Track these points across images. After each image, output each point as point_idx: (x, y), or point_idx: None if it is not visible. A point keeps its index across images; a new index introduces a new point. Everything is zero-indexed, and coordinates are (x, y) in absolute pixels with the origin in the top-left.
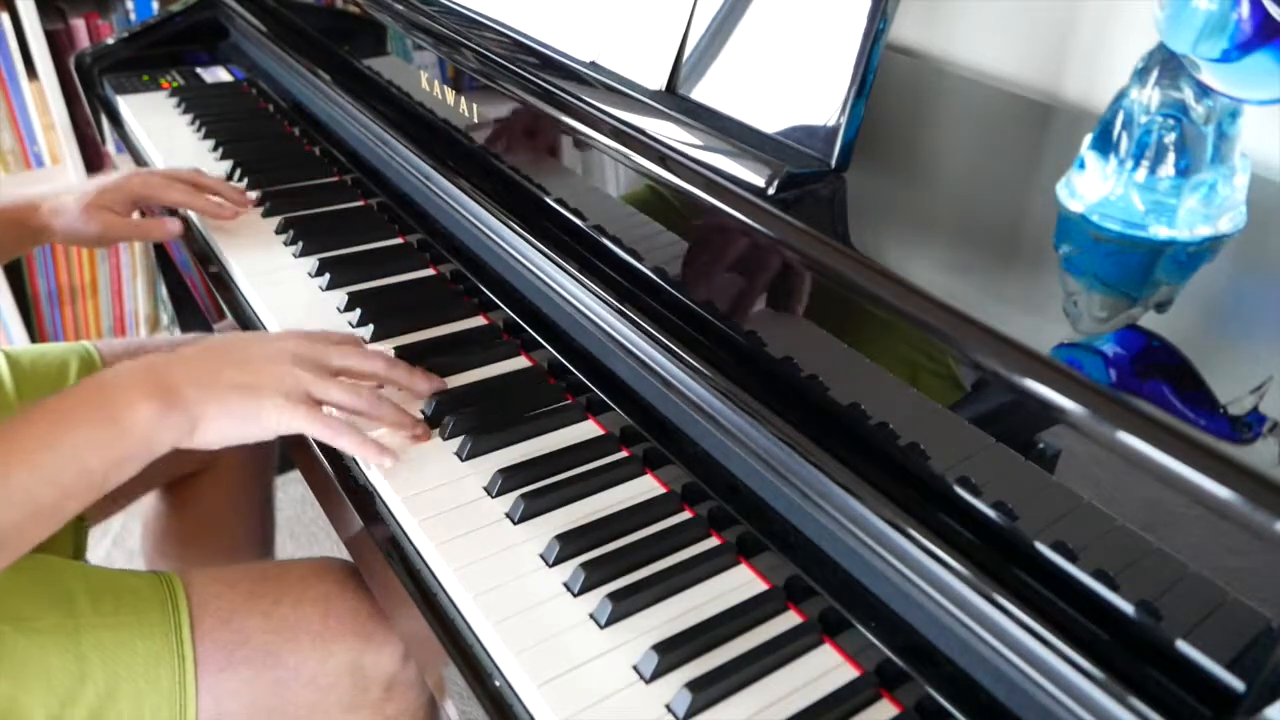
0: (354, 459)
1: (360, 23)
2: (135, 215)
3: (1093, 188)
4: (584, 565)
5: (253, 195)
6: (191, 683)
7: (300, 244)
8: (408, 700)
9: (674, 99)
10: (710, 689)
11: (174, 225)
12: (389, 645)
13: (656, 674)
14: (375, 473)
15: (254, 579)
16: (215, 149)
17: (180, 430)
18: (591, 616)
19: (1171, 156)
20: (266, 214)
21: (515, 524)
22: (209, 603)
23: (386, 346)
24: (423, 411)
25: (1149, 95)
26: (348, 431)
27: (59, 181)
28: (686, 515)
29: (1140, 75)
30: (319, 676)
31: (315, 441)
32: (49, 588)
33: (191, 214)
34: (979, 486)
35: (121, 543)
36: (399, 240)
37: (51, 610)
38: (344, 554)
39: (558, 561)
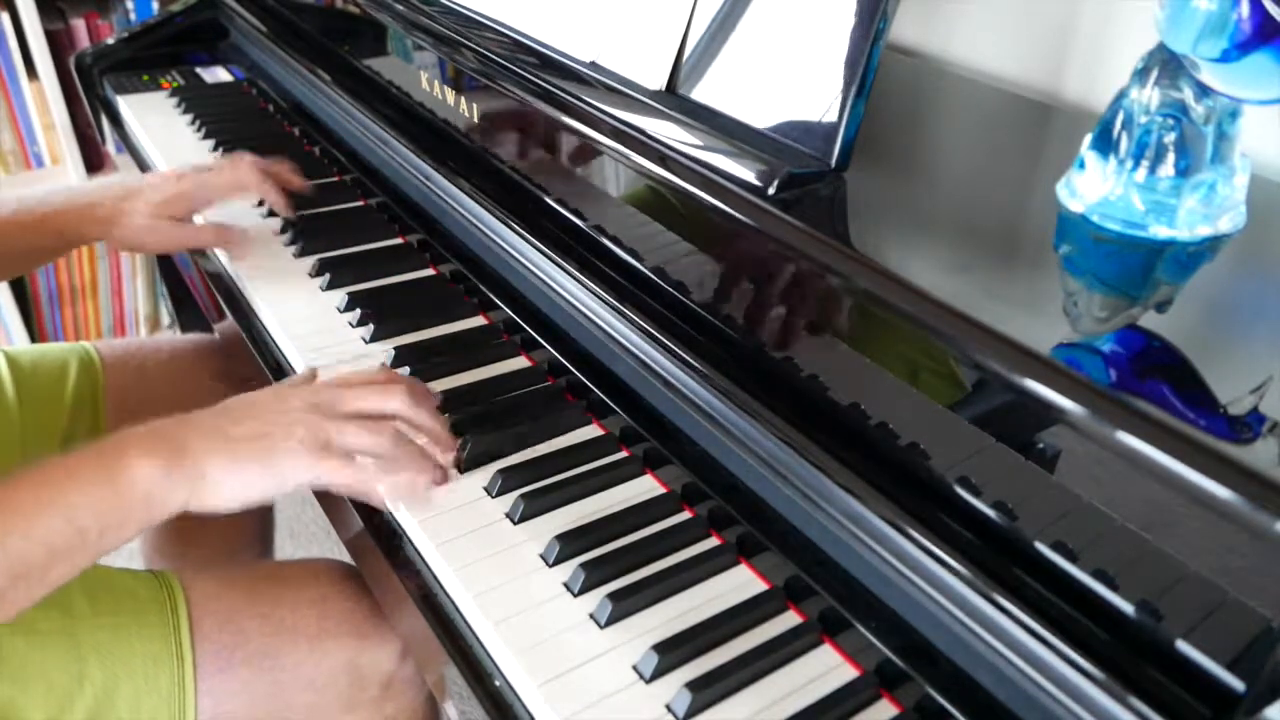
0: None
1: (360, 23)
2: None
3: (1093, 188)
4: (584, 565)
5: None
6: (190, 684)
7: (300, 244)
8: (406, 699)
9: (674, 99)
10: (710, 689)
11: (238, 235)
12: (387, 645)
13: (656, 674)
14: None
15: (252, 580)
16: (215, 149)
17: (187, 489)
18: (591, 616)
19: (1171, 156)
20: (266, 214)
21: (515, 524)
22: (208, 604)
23: (386, 346)
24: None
25: (1149, 95)
26: (370, 480)
27: (59, 181)
28: (686, 515)
29: (1140, 75)
30: (317, 677)
31: None
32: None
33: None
34: (979, 486)
35: None
36: (399, 240)
37: (50, 611)
38: (343, 554)
39: (558, 561)
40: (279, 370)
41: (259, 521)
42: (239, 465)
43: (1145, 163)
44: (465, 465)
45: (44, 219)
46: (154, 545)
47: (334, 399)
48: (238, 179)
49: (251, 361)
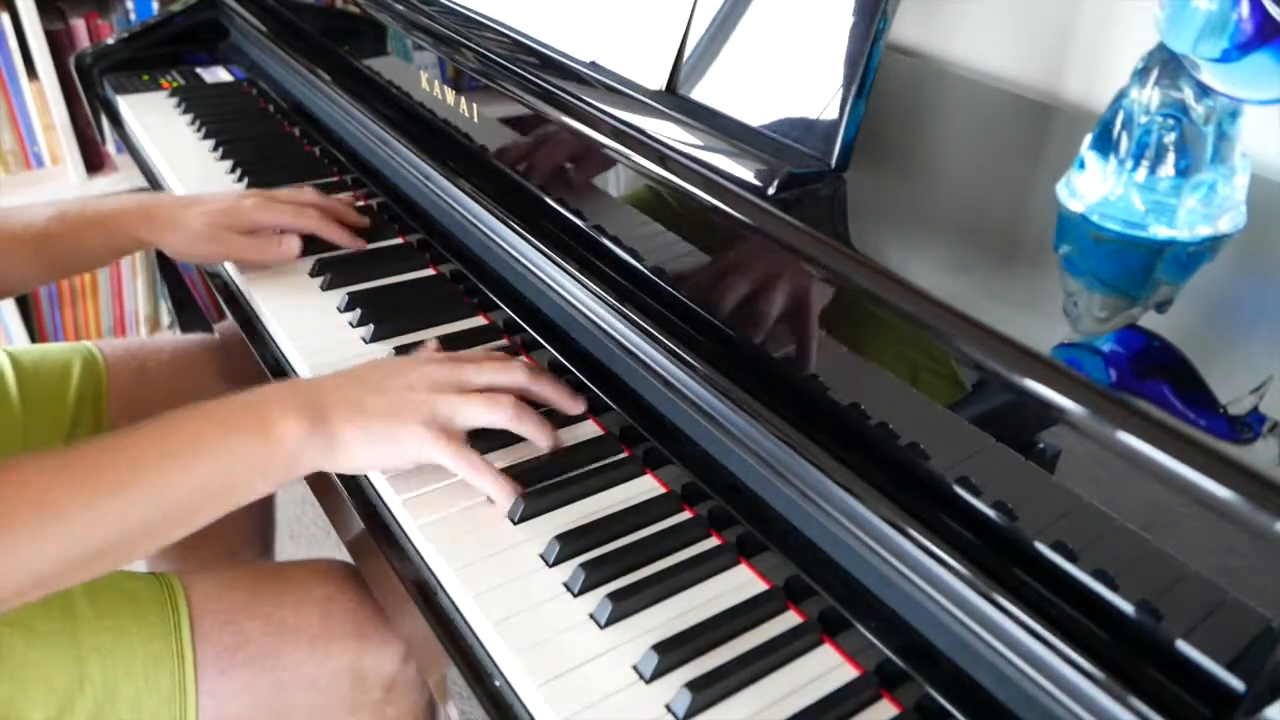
0: None
1: (360, 23)
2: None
3: (1093, 188)
4: (584, 565)
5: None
6: (191, 685)
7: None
8: (408, 701)
9: (674, 99)
10: (710, 689)
11: (294, 244)
12: (389, 646)
13: (656, 674)
14: (375, 474)
15: (254, 580)
16: (215, 149)
17: (323, 451)
18: (591, 616)
19: (1171, 156)
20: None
21: (515, 524)
22: (209, 604)
23: (386, 347)
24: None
25: (1149, 95)
26: (484, 470)
27: (59, 181)
28: (686, 515)
29: (1140, 75)
30: (319, 678)
31: None
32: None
33: None
34: (979, 486)
35: None
36: (399, 240)
37: (51, 612)
38: (343, 554)
39: (558, 561)
40: (279, 370)
41: (260, 522)
42: (369, 438)
43: (1145, 163)
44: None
45: (95, 220)
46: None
47: (459, 375)
48: (300, 212)
49: (251, 361)
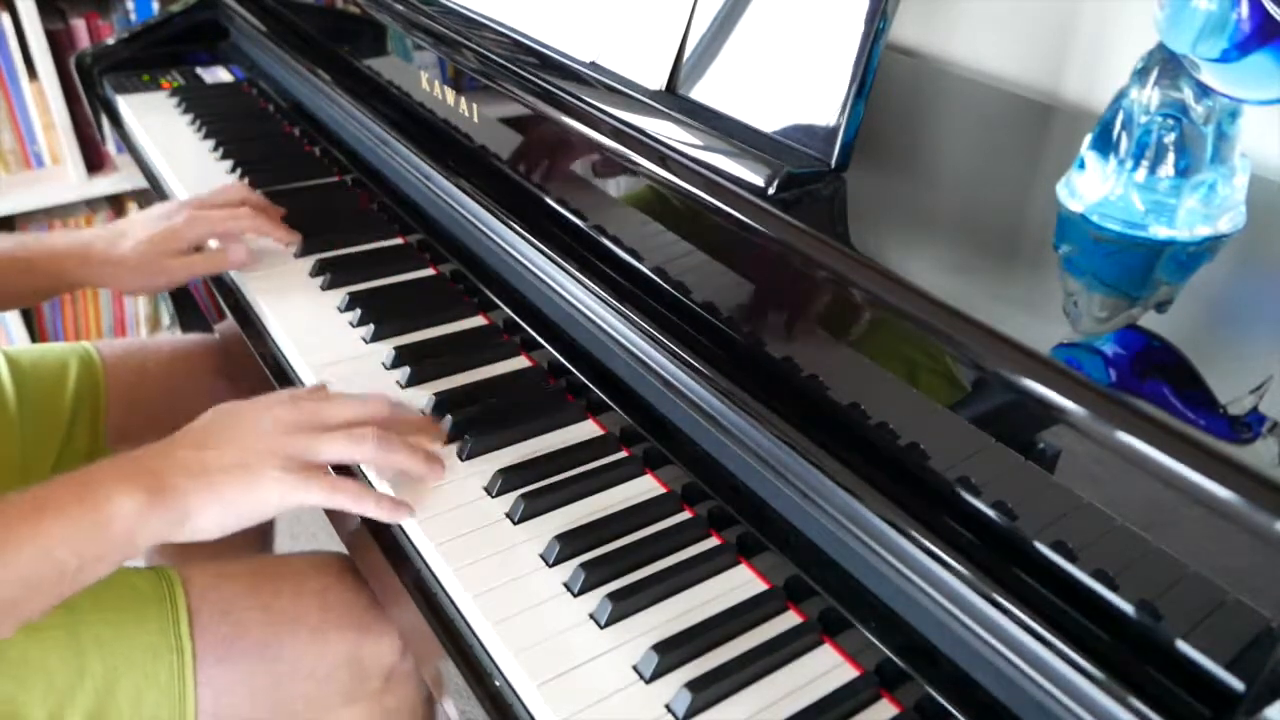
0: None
1: (360, 23)
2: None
3: (1093, 188)
4: (584, 565)
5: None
6: (190, 676)
7: (299, 244)
8: (406, 691)
9: (674, 99)
10: (710, 689)
11: (241, 252)
12: (387, 637)
13: (656, 674)
14: (374, 473)
15: (252, 572)
16: (215, 149)
17: (169, 523)
18: (591, 616)
19: (1171, 156)
20: None
21: (515, 524)
22: (207, 596)
23: (386, 346)
24: (421, 411)
25: (1149, 95)
26: (363, 495)
27: (59, 181)
28: (686, 515)
29: (1140, 75)
30: (318, 669)
31: None
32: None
33: None
34: (979, 487)
35: None
36: (399, 240)
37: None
38: (342, 550)
39: (558, 561)
40: (279, 369)
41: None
42: (219, 498)
43: (1145, 163)
44: (465, 457)
45: (37, 260)
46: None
47: (311, 414)
48: (234, 214)
49: (252, 361)
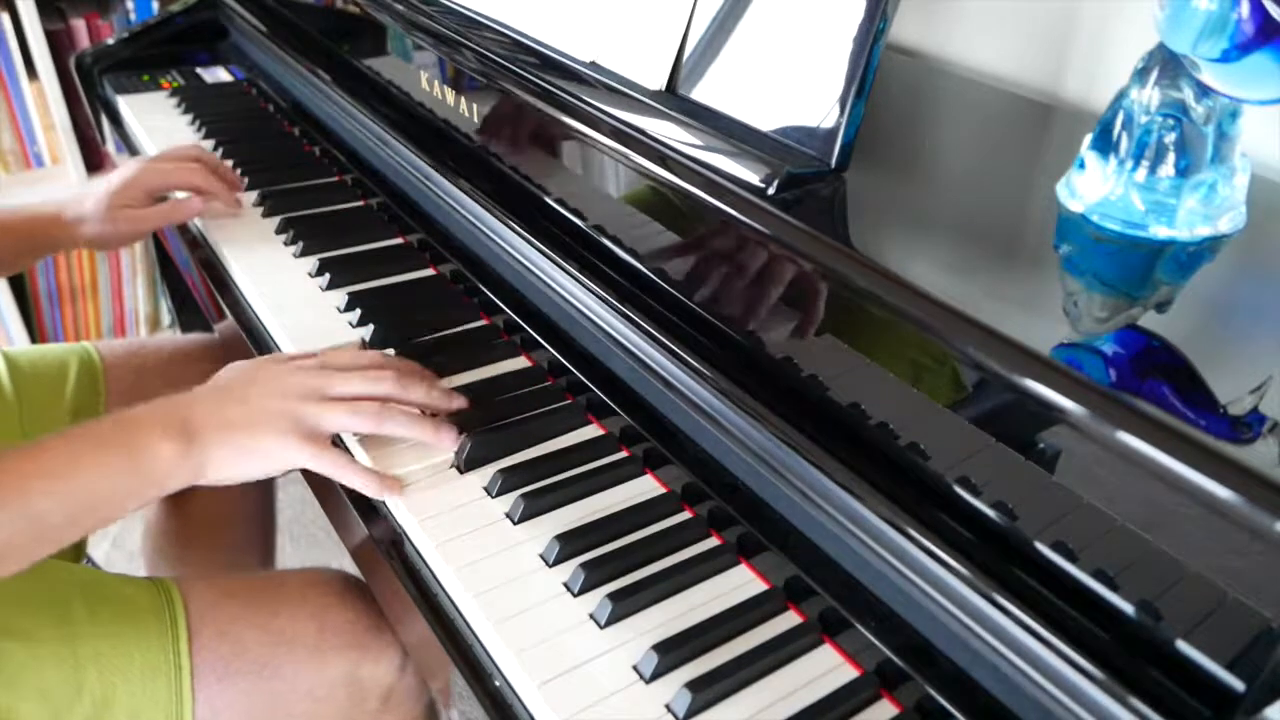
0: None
1: (360, 23)
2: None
3: (1093, 188)
4: (584, 565)
5: (252, 195)
6: (188, 694)
7: (300, 244)
8: (404, 711)
9: (674, 99)
10: (710, 689)
11: (196, 203)
12: (386, 656)
13: (656, 674)
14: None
15: (252, 589)
16: (215, 149)
17: (193, 469)
18: (591, 616)
19: (1171, 156)
20: (266, 214)
21: (515, 524)
22: (206, 613)
23: (387, 347)
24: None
25: (1149, 95)
26: (347, 467)
27: (59, 182)
28: (686, 515)
29: (1140, 75)
30: (315, 688)
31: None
32: (46, 597)
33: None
34: (979, 486)
35: (121, 544)
36: (399, 240)
37: (48, 620)
38: (343, 555)
39: (558, 561)
40: None
41: (260, 524)
42: (235, 452)
43: (1145, 163)
44: (465, 466)
45: (13, 224)
46: (155, 547)
47: (324, 383)
48: (187, 171)
49: None
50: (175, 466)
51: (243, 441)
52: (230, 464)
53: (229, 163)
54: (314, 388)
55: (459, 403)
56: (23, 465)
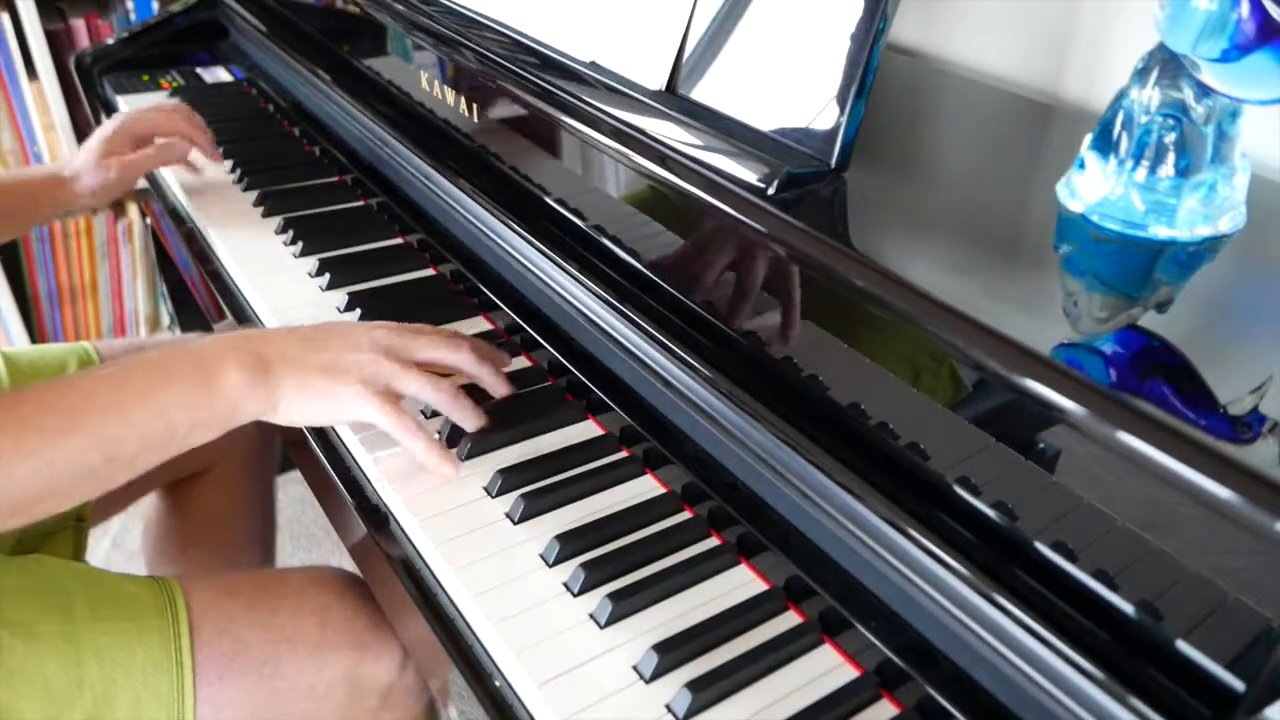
0: (355, 460)
1: (360, 23)
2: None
3: (1093, 188)
4: (584, 565)
5: (252, 195)
6: (190, 691)
7: (300, 244)
8: (405, 708)
9: (674, 99)
10: (710, 689)
11: (183, 146)
12: (386, 655)
13: (656, 674)
14: (376, 473)
15: (253, 587)
16: (215, 149)
17: (264, 403)
18: (591, 616)
19: (1171, 156)
20: (266, 214)
21: (515, 524)
22: (208, 611)
23: None
24: (422, 412)
25: (1149, 95)
26: (416, 432)
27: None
28: (686, 515)
29: (1140, 75)
30: (316, 685)
31: (315, 443)
32: (47, 592)
33: (192, 215)
34: (979, 486)
35: (121, 544)
36: (399, 240)
37: (50, 615)
38: (343, 554)
39: (558, 561)
40: None
41: (261, 522)
42: (309, 393)
43: (1145, 163)
44: (464, 460)
45: (14, 187)
46: (155, 546)
47: (406, 344)
48: (168, 115)
49: None
50: (244, 397)
51: (319, 385)
52: (302, 406)
53: (228, 163)
54: (397, 346)
55: (505, 390)
56: (96, 388)
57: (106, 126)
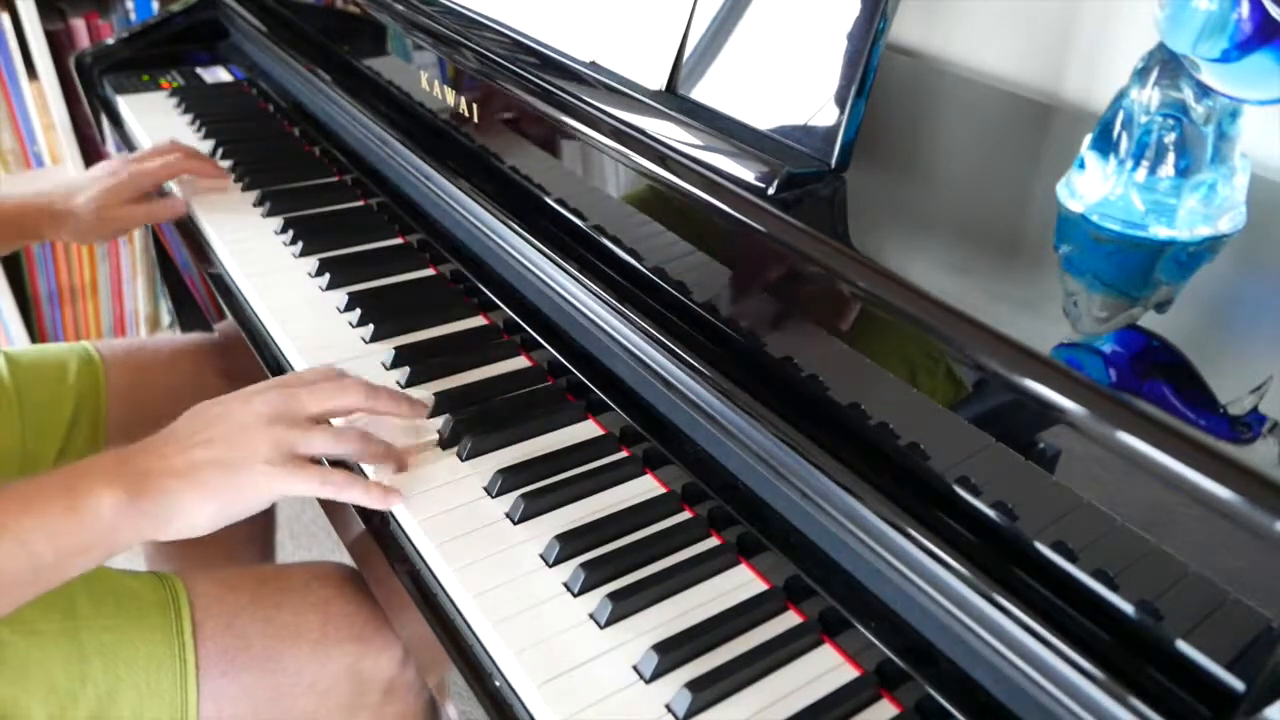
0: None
1: (360, 23)
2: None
3: (1093, 188)
4: (584, 565)
5: (252, 195)
6: (193, 686)
7: (300, 244)
8: (406, 703)
9: (674, 99)
10: (710, 689)
11: (178, 204)
12: (388, 650)
13: (656, 674)
14: (375, 473)
15: (255, 583)
16: (215, 149)
17: (155, 522)
18: (591, 616)
19: (1171, 156)
20: (267, 214)
21: (515, 524)
22: (211, 606)
23: (386, 347)
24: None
25: (1149, 95)
26: (348, 484)
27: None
28: (686, 515)
29: (1140, 75)
30: (318, 681)
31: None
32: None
33: (194, 215)
34: (979, 486)
35: None
36: (399, 240)
37: (53, 613)
38: (343, 553)
39: (558, 561)
40: (279, 370)
41: (260, 522)
42: (209, 493)
43: (1145, 163)
44: (464, 461)
45: (3, 212)
46: (154, 545)
47: (293, 405)
48: (168, 163)
49: (251, 360)
50: (122, 520)
51: (218, 481)
52: (207, 510)
53: (228, 163)
54: (287, 409)
55: (423, 408)
56: None
57: (113, 176)
